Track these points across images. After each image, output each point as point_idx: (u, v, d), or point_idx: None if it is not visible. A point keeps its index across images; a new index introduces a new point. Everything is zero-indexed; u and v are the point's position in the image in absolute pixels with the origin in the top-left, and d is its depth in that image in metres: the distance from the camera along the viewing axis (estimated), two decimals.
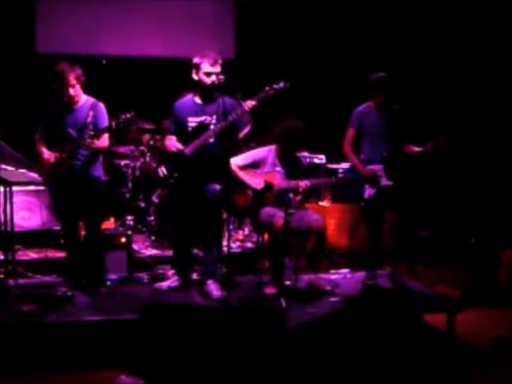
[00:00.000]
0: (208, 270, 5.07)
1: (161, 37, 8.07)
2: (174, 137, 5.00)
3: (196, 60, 4.90)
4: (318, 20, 8.19)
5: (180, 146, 4.91)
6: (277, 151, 5.31)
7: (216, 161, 4.97)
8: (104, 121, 4.88)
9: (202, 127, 4.91)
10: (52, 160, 4.82)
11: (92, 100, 4.96)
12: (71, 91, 4.83)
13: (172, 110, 5.07)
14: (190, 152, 4.88)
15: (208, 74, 4.87)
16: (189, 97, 5.09)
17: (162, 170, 4.97)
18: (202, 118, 4.94)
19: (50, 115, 4.98)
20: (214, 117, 4.90)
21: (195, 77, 4.94)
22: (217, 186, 4.96)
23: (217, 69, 4.87)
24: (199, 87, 4.97)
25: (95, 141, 4.76)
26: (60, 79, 4.81)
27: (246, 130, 4.90)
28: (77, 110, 4.92)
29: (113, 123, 4.71)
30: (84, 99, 4.95)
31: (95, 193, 4.99)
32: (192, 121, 4.97)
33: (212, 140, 4.88)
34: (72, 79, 4.79)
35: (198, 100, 5.03)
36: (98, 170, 5.05)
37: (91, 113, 4.83)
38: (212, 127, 4.87)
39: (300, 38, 8.16)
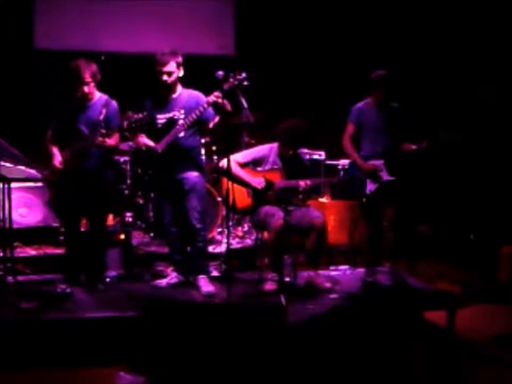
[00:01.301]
0: (196, 266, 5.07)
1: (161, 33, 8.03)
2: (144, 135, 4.99)
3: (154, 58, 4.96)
4: (318, 16, 8.17)
5: (151, 143, 4.92)
6: (278, 150, 5.29)
7: (189, 153, 5.00)
8: (117, 120, 4.87)
9: (171, 122, 4.95)
10: (62, 167, 4.82)
11: (105, 97, 4.95)
12: (85, 88, 4.81)
13: (142, 109, 5.03)
14: (162, 148, 4.89)
15: (159, 73, 4.93)
16: (155, 94, 5.09)
17: (137, 169, 4.99)
18: (171, 114, 4.97)
19: (63, 111, 4.96)
20: (182, 111, 4.94)
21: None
22: (195, 173, 5.01)
23: (167, 68, 4.90)
24: (159, 84, 4.99)
25: (106, 140, 4.75)
26: (75, 76, 4.78)
27: (215, 120, 4.93)
28: (90, 107, 4.91)
29: (125, 123, 4.69)
30: (97, 96, 4.95)
31: (104, 190, 5.01)
32: (161, 118, 5.00)
33: (182, 134, 4.91)
34: (87, 77, 4.77)
35: (163, 96, 5.05)
36: (108, 168, 5.06)
37: (104, 110, 4.83)
38: (180, 122, 4.90)
39: (300, 34, 8.14)
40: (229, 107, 4.83)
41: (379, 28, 8.03)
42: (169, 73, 4.91)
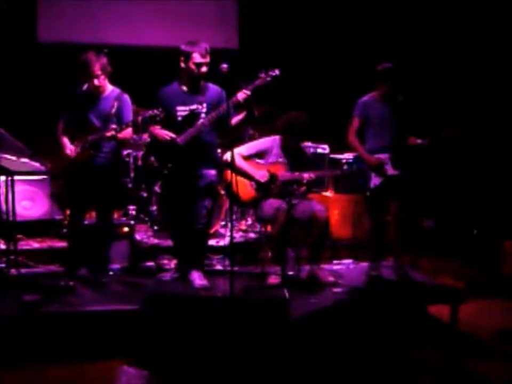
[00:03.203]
0: (192, 260, 5.04)
1: (164, 26, 8.03)
2: (159, 126, 4.91)
3: (185, 48, 4.84)
4: (323, 8, 8.15)
5: (173, 135, 4.86)
6: (281, 142, 5.28)
7: (208, 148, 4.96)
8: (129, 113, 4.85)
9: (193, 116, 4.88)
10: (73, 155, 4.80)
11: (117, 90, 4.93)
12: (96, 81, 4.78)
13: (155, 98, 4.97)
14: (183, 142, 4.84)
15: (198, 65, 4.83)
16: (174, 85, 5.02)
17: (152, 160, 4.93)
18: (193, 107, 4.90)
19: (75, 103, 4.95)
20: (204, 105, 4.89)
21: (183, 65, 4.88)
22: (212, 172, 4.98)
23: (208, 59, 4.84)
24: (187, 76, 4.91)
25: (119, 134, 4.73)
26: (85, 69, 4.75)
27: (238, 118, 4.88)
28: (102, 100, 4.89)
29: (140, 118, 4.67)
30: (109, 89, 4.92)
31: (114, 184, 5.03)
32: (182, 110, 4.92)
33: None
34: (97, 69, 4.74)
35: (185, 88, 4.97)
36: (118, 162, 5.07)
37: (116, 104, 4.82)
38: (202, 115, 4.86)
39: (304, 27, 8.13)
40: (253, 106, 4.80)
41: (384, 20, 8.02)
42: (207, 64, 4.85)
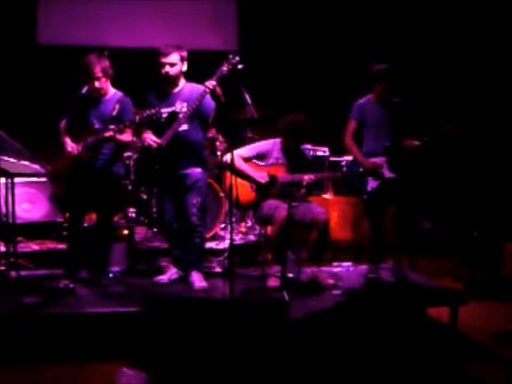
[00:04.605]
0: (191, 261, 5.06)
1: (164, 29, 8.03)
2: (150, 131, 4.96)
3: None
4: (321, 9, 8.16)
5: (157, 140, 4.88)
6: (281, 144, 5.29)
7: (192, 148, 4.99)
8: (130, 116, 4.85)
9: (174, 116, 4.90)
10: (75, 153, 4.80)
11: (119, 93, 4.94)
12: (96, 84, 4.78)
13: (145, 102, 5.04)
14: (166, 142, 4.86)
15: (161, 64, 4.90)
16: (158, 88, 5.08)
17: (143, 164, 4.97)
18: (173, 108, 4.92)
19: (77, 105, 4.95)
20: (184, 104, 4.91)
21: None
22: (198, 170, 5.01)
23: (169, 59, 4.88)
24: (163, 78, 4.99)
25: (117, 135, 4.73)
26: (86, 72, 4.76)
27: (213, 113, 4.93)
28: (103, 102, 4.89)
29: (137, 118, 4.68)
30: (111, 92, 4.93)
31: (114, 187, 5.03)
32: (163, 112, 4.92)
33: (185, 127, 4.90)
34: (97, 72, 4.74)
35: (166, 90, 5.03)
36: (119, 165, 5.07)
37: (117, 106, 4.82)
38: (180, 115, 4.89)
39: (304, 29, 8.13)
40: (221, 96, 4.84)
41: (382, 23, 8.03)
42: (172, 65, 4.88)
